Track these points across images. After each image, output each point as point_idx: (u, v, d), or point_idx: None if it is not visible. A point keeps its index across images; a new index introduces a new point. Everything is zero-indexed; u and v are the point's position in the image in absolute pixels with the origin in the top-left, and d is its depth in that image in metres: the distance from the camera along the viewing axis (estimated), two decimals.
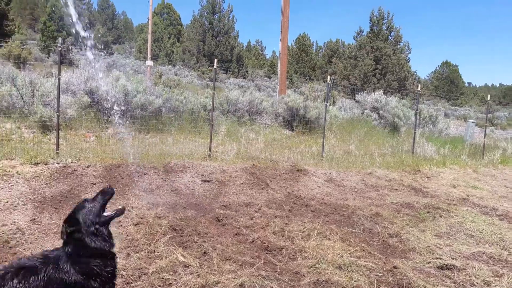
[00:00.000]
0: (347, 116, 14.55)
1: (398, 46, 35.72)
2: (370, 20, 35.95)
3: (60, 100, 6.99)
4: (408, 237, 4.65)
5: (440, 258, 4.09)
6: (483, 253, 4.31)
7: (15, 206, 4.27)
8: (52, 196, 4.65)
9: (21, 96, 8.68)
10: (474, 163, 9.97)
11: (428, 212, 5.67)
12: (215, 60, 8.38)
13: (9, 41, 24.93)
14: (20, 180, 4.91)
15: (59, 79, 6.72)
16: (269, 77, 48.51)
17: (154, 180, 5.70)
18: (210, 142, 7.74)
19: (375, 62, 33.59)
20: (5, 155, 5.81)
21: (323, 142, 8.87)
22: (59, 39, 7.11)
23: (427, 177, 8.19)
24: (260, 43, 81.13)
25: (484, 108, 35.51)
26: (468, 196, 6.96)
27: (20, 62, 19.79)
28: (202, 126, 10.17)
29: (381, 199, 6.27)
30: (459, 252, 4.30)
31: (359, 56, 35.07)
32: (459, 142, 13.11)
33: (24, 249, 3.54)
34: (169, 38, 52.55)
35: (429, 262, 4.03)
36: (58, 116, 6.72)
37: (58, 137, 6.48)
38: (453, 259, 4.11)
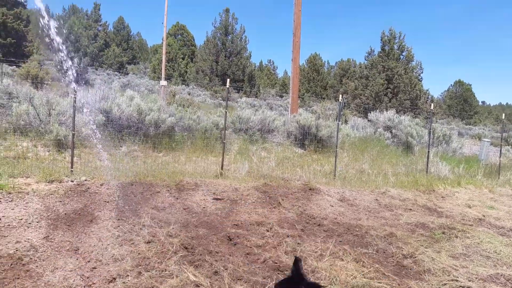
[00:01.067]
0: (360, 135, 14.48)
1: (410, 65, 35.69)
2: (381, 40, 36.11)
3: (76, 119, 7.14)
4: (423, 258, 4.54)
5: (456, 280, 3.98)
6: (501, 275, 4.18)
7: (29, 223, 4.31)
8: (65, 214, 4.69)
9: (38, 115, 8.89)
10: (489, 183, 9.77)
11: (443, 233, 5.54)
12: (228, 80, 8.49)
13: (27, 62, 25.70)
14: (34, 198, 4.98)
15: (74, 98, 6.87)
16: (281, 96, 48.82)
17: (166, 198, 5.72)
18: (222, 160, 7.77)
19: (386, 81, 33.56)
20: (21, 173, 5.92)
21: (335, 161, 8.82)
22: (75, 59, 7.31)
23: (442, 197, 8.04)
24: (272, 63, 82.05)
25: (499, 127, 34.99)
26: (484, 216, 6.80)
27: (37, 82, 20.33)
28: (214, 145, 10.23)
29: (395, 219, 6.16)
30: (475, 274, 4.18)
31: (370, 75, 35.12)
32: (474, 161, 12.89)
33: (37, 266, 3.56)
34: (183, 58, 53.52)
35: (445, 284, 3.92)
36: (73, 134, 6.84)
37: (72, 155, 6.59)
38: (469, 281, 3.99)
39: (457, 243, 5.16)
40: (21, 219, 4.38)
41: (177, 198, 5.77)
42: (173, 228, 4.65)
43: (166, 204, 5.51)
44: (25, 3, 39.31)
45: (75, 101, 6.85)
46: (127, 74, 43.97)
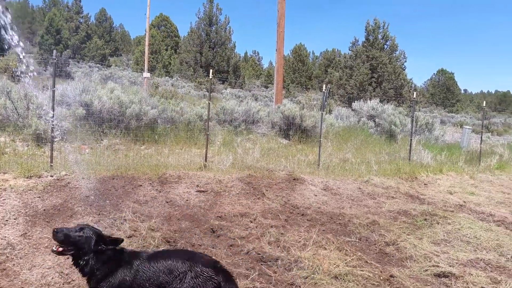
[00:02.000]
0: (344, 125, 14.56)
1: (394, 55, 35.92)
2: (366, 29, 36.19)
3: (55, 112, 6.97)
4: (405, 245, 4.61)
5: (438, 266, 4.05)
6: (481, 260, 4.27)
7: (6, 220, 4.21)
8: (44, 210, 4.59)
9: (16, 109, 8.66)
10: (470, 170, 9.96)
11: (425, 220, 5.63)
12: (211, 71, 8.39)
13: (6, 55, 24.99)
14: (12, 194, 4.85)
15: (53, 91, 6.71)
16: (266, 87, 48.69)
17: (148, 192, 5.65)
18: (206, 152, 7.71)
19: (371, 70, 33.75)
20: None
21: (319, 151, 8.85)
22: (54, 52, 7.13)
23: (424, 184, 8.16)
24: (257, 54, 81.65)
25: (480, 115, 35.66)
26: (465, 202, 6.93)
27: (16, 75, 19.79)
28: (198, 137, 10.15)
29: (378, 207, 6.23)
30: (456, 259, 4.26)
31: (354, 65, 35.26)
32: (455, 148, 13.11)
33: (13, 264, 3.48)
34: (166, 50, 52.79)
35: (426, 270, 3.98)
36: (52, 128, 6.69)
37: (52, 150, 6.44)
38: (450, 266, 4.07)
39: (438, 229, 5.25)
40: None
41: (160, 191, 5.71)
42: (155, 221, 4.60)
43: (149, 198, 5.44)
44: None
45: (54, 95, 6.68)
46: (110, 66, 43.23)
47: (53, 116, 6.73)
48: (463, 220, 5.71)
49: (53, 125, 6.71)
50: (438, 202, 6.85)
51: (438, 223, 5.52)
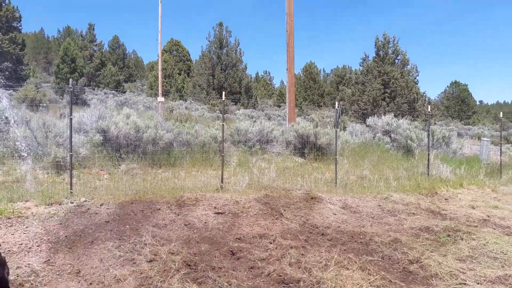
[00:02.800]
0: (359, 141, 14.46)
1: (406, 69, 35.83)
2: (375, 45, 36.31)
3: (73, 139, 7.13)
4: (429, 262, 4.48)
5: (465, 284, 3.92)
6: (509, 276, 4.12)
7: (30, 248, 4.27)
8: (66, 236, 4.64)
9: (35, 138, 8.87)
10: (492, 183, 9.72)
11: (448, 236, 5.49)
12: (223, 93, 8.50)
13: (24, 85, 25.82)
14: (34, 222, 4.94)
15: (71, 119, 6.87)
16: (279, 106, 48.93)
17: (167, 215, 5.67)
18: (222, 173, 7.74)
19: (383, 86, 33.66)
20: (20, 197, 5.88)
21: (335, 168, 8.78)
22: (71, 80, 7.34)
23: (445, 199, 7.99)
24: (268, 74, 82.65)
25: (497, 126, 35.01)
26: (488, 216, 6.74)
27: (34, 104, 20.39)
28: (213, 158, 10.20)
29: (399, 224, 6.10)
30: (483, 276, 4.12)
31: (366, 81, 35.24)
32: (475, 161, 12.85)
33: None
34: (179, 74, 53.84)
35: None
36: (71, 155, 6.82)
37: (71, 177, 6.55)
38: (478, 284, 3.93)
39: (463, 246, 5.10)
40: (21, 244, 4.34)
41: (178, 214, 5.72)
42: (174, 245, 4.59)
43: (167, 221, 5.46)
44: (20, 28, 39.70)
45: (71, 122, 6.85)
46: (124, 92, 44.13)
47: (71, 144, 6.87)
48: (488, 235, 5.55)
49: (71, 153, 6.84)
50: (461, 217, 6.68)
51: (462, 239, 5.37)
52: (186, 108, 30.38)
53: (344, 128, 17.73)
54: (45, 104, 21.81)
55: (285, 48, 16.74)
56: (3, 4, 37.59)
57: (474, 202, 7.78)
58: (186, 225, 5.41)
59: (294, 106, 17.40)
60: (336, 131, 9.41)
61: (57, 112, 17.42)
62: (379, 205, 7.08)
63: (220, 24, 46.61)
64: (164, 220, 5.49)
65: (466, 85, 64.32)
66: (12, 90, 25.31)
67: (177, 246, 4.60)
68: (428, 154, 10.37)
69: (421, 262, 4.51)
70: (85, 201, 5.90)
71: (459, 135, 29.88)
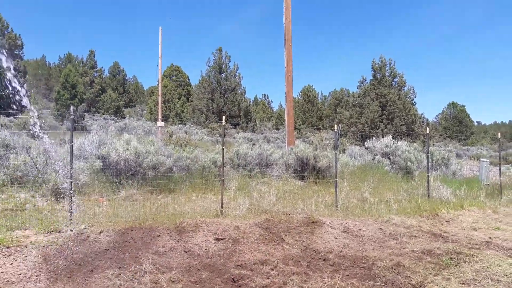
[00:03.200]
0: (358, 163, 14.48)
1: (403, 91, 36.26)
2: (372, 68, 36.89)
3: (73, 166, 7.14)
4: (432, 286, 4.43)
5: None
6: None
7: (29, 278, 4.21)
8: (65, 265, 4.59)
9: (35, 165, 8.88)
10: (493, 203, 9.69)
11: (451, 258, 5.44)
12: (223, 117, 8.58)
13: (24, 112, 25.98)
14: (33, 250, 4.89)
15: (71, 146, 6.90)
16: (278, 129, 49.20)
17: (167, 242, 5.63)
18: (222, 198, 7.72)
19: (381, 108, 33.98)
20: (19, 225, 5.84)
21: (336, 191, 8.77)
22: (71, 107, 7.41)
23: (446, 221, 7.95)
24: (266, 97, 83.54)
25: (496, 146, 35.12)
26: (491, 238, 6.69)
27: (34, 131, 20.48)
28: (213, 182, 10.19)
29: (401, 248, 6.05)
30: None
31: (364, 103, 35.59)
32: (474, 182, 12.84)
33: None
34: (178, 98, 54.33)
35: None
36: (71, 182, 6.82)
37: (71, 204, 6.53)
38: None
39: (466, 269, 5.05)
40: (20, 274, 4.29)
41: (178, 241, 5.68)
42: (175, 273, 4.54)
43: (167, 248, 5.41)
44: (22, 55, 40.33)
45: (72, 149, 6.87)
46: (124, 117, 44.42)
47: (71, 171, 6.88)
48: (491, 257, 5.50)
49: (71, 179, 6.84)
50: (463, 239, 6.63)
51: (465, 262, 5.32)
52: (185, 132, 30.52)
53: (343, 151, 17.79)
54: (45, 131, 21.88)
55: (283, 71, 17.00)
56: (6, 32, 38.31)
57: (475, 224, 7.74)
58: (186, 252, 5.36)
59: (293, 129, 17.51)
60: (335, 153, 9.45)
61: (57, 138, 17.48)
62: (381, 228, 7.03)
63: (220, 50, 47.44)
64: (164, 247, 5.44)
65: (464, 106, 64.94)
66: (12, 117, 25.48)
67: (178, 274, 4.54)
68: (428, 175, 10.38)
69: (425, 286, 4.45)
70: (84, 228, 5.86)
71: (458, 156, 29.94)
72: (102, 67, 65.85)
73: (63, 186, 8.17)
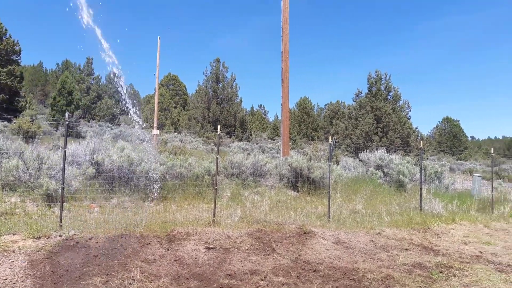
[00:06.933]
0: (352, 175, 14.51)
1: (398, 105, 36.53)
2: (368, 81, 37.19)
3: (66, 172, 7.11)
4: None
5: None
6: None
7: (14, 283, 4.16)
8: (52, 271, 4.54)
9: (28, 170, 8.83)
10: (484, 218, 9.73)
11: (441, 272, 5.44)
12: (219, 126, 8.60)
13: (19, 117, 25.89)
14: (21, 256, 4.84)
15: (64, 151, 6.87)
16: (273, 139, 49.27)
17: (157, 250, 5.59)
18: (214, 207, 7.69)
19: (376, 121, 34.17)
20: (7, 230, 5.78)
21: (329, 202, 8.77)
22: (67, 113, 7.40)
23: (437, 235, 7.96)
24: (263, 108, 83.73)
25: (489, 161, 35.35)
26: (481, 253, 6.71)
27: (29, 136, 20.37)
28: (206, 191, 10.16)
29: (392, 260, 6.05)
30: None
31: (359, 116, 35.79)
32: (466, 197, 12.89)
33: None
34: (175, 107, 54.37)
35: None
36: (63, 188, 6.77)
37: (62, 210, 6.48)
38: None
39: (455, 282, 5.05)
40: (6, 279, 4.23)
41: (168, 249, 5.64)
42: (163, 281, 4.51)
43: (157, 256, 5.37)
44: (19, 61, 40.25)
45: (65, 155, 6.85)
46: (119, 125, 44.31)
47: (63, 176, 6.84)
48: (481, 271, 5.51)
49: (63, 185, 6.80)
50: (453, 253, 6.64)
51: (454, 276, 5.32)
52: (181, 140, 30.48)
53: (337, 162, 17.82)
54: (40, 136, 21.79)
55: (280, 83, 17.10)
56: (4, 38, 38.25)
57: (466, 238, 7.75)
58: (176, 260, 5.32)
59: (288, 139, 17.55)
60: (329, 165, 9.47)
61: (51, 144, 17.40)
62: (372, 241, 7.03)
63: (217, 60, 47.66)
64: (153, 255, 5.40)
65: (458, 121, 65.48)
66: (7, 121, 25.34)
67: (166, 282, 4.51)
68: (421, 189, 10.42)
69: None
70: (74, 234, 5.81)
71: (451, 170, 30.08)
72: (99, 74, 65.86)
73: (55, 192, 8.11)
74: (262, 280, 4.85)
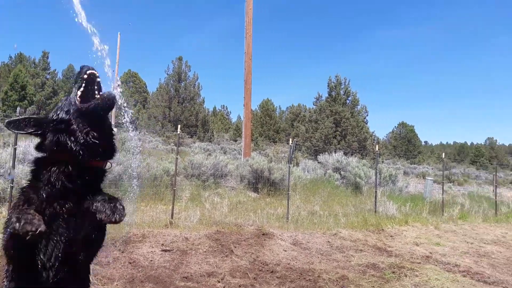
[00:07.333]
0: (311, 177, 14.77)
1: (356, 109, 37.69)
2: (328, 86, 38.08)
3: (16, 170, 6.72)
4: None
5: None
6: None
7: None
8: None
9: None
10: (435, 220, 10.20)
11: (393, 272, 5.63)
12: (179, 126, 8.46)
13: None
14: None
15: (15, 149, 6.50)
16: (235, 140, 49.20)
17: (111, 253, 5.39)
18: (172, 208, 7.55)
19: (335, 124, 35.06)
20: None
21: (288, 204, 8.86)
22: (18, 109, 7.01)
23: (391, 236, 8.25)
24: (225, 108, 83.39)
25: (441, 166, 37.21)
26: (431, 253, 7.02)
27: None
28: (164, 192, 9.96)
29: (347, 261, 6.19)
30: None
31: (319, 119, 36.56)
32: (419, 199, 13.48)
33: None
34: (134, 105, 52.97)
35: None
36: (12, 187, 6.40)
37: (9, 209, 6.11)
38: None
39: (406, 282, 5.25)
40: None
41: (123, 252, 5.46)
42: (117, 284, 4.35)
43: (111, 259, 5.18)
44: None
45: (15, 152, 6.47)
46: None
47: (13, 174, 6.47)
48: (430, 271, 5.76)
49: (12, 184, 6.42)
50: (405, 254, 6.91)
51: (406, 276, 5.53)
52: (139, 140, 29.74)
53: (297, 164, 18.09)
54: None
55: (243, 84, 17.11)
56: None
57: (418, 239, 8.09)
58: (130, 263, 5.16)
59: (250, 141, 17.59)
60: (289, 166, 9.58)
61: (1, 140, 16.41)
62: (328, 242, 7.17)
63: (180, 59, 46.98)
64: (107, 257, 5.20)
65: (413, 126, 68.36)
66: None
67: (120, 285, 4.36)
68: (376, 191, 10.77)
69: None
70: None
71: (406, 173, 31.37)
72: (55, 70, 62.85)
73: (3, 191, 7.65)
74: (219, 282, 4.81)
